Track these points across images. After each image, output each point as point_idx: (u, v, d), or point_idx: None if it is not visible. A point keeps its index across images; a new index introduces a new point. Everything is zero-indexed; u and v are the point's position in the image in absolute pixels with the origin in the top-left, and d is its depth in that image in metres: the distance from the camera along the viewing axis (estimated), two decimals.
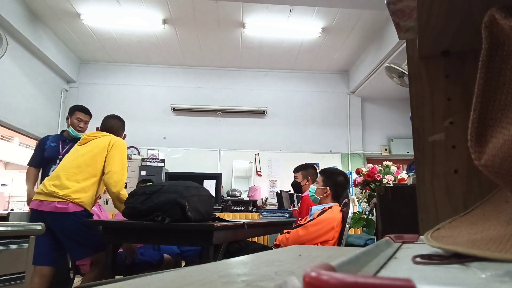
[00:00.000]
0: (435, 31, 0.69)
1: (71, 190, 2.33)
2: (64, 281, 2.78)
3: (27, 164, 3.30)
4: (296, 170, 3.59)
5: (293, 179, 3.64)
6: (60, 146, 3.24)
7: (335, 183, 2.60)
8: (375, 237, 2.97)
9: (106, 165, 2.43)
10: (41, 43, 5.26)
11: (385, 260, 0.39)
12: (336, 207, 2.48)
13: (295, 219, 3.26)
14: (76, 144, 2.61)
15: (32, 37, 5.00)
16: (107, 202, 4.88)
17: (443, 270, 0.32)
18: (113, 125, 2.69)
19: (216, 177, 5.13)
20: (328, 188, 2.57)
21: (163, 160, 5.95)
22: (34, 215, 2.36)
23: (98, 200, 2.64)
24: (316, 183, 2.64)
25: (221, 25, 5.31)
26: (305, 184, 3.41)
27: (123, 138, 2.72)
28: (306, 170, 3.51)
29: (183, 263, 3.13)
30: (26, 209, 7.28)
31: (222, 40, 5.77)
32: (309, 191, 2.62)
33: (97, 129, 2.70)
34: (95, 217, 2.72)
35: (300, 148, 6.51)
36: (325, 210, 2.42)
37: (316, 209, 2.53)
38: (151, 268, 2.64)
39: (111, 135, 2.57)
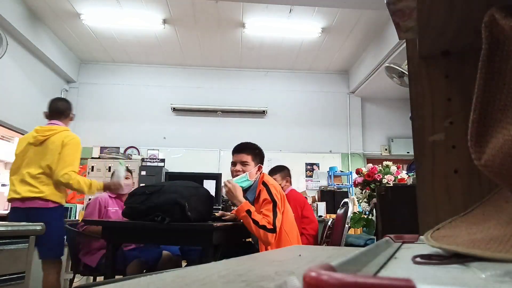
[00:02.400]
0: (435, 31, 0.69)
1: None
2: None
3: None
4: (273, 172, 3.48)
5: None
6: None
7: (261, 157, 2.38)
8: (375, 237, 2.96)
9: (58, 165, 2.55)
10: (41, 43, 5.26)
11: (385, 260, 0.39)
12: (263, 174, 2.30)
13: None
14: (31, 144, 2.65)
15: (32, 37, 5.00)
16: None
17: (443, 270, 0.32)
18: (60, 106, 2.79)
19: (216, 177, 5.12)
20: (261, 165, 2.34)
21: (163, 160, 5.95)
22: None
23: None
24: (245, 164, 2.27)
25: (221, 25, 5.31)
26: (285, 185, 3.42)
27: (71, 119, 2.83)
28: (283, 171, 3.52)
29: (184, 263, 3.13)
30: None
31: (222, 40, 5.77)
32: (239, 181, 2.23)
33: (45, 114, 2.80)
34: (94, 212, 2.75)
35: (300, 148, 6.52)
36: (261, 188, 2.20)
37: (252, 196, 2.25)
38: (151, 262, 2.64)
39: (63, 133, 2.63)
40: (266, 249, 2.07)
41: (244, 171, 2.25)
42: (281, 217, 2.10)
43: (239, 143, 2.40)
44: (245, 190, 2.26)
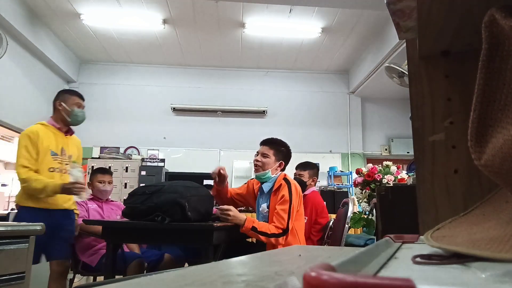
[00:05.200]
0: (435, 31, 0.69)
1: None
2: None
3: None
4: (303, 167, 3.37)
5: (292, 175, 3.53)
6: None
7: (286, 156, 2.46)
8: (375, 237, 2.96)
9: None
10: (41, 43, 5.26)
11: (385, 260, 0.39)
12: (282, 174, 2.37)
13: None
14: None
15: (32, 37, 5.00)
16: None
17: (443, 270, 0.32)
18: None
19: None
20: (283, 162, 2.41)
21: (163, 160, 5.95)
22: None
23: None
24: (265, 156, 2.37)
25: (221, 25, 5.31)
26: (310, 184, 3.30)
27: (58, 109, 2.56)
28: (313, 169, 3.39)
29: (185, 265, 3.12)
30: None
31: (222, 40, 5.77)
32: (267, 177, 2.35)
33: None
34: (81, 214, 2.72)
35: (300, 148, 6.50)
36: (282, 183, 2.28)
37: (268, 186, 2.33)
38: (152, 264, 2.64)
39: None
40: (274, 247, 2.12)
41: (262, 163, 2.35)
42: (294, 217, 2.18)
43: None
44: (262, 181, 2.38)
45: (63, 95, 2.60)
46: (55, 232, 2.38)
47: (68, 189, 2.36)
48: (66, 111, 2.54)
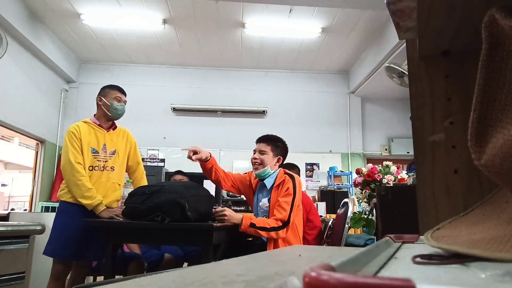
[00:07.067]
0: (435, 31, 0.69)
1: None
2: None
3: None
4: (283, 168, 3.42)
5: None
6: None
7: (283, 151, 2.47)
8: (375, 237, 2.96)
9: None
10: (41, 43, 5.26)
11: (385, 260, 0.39)
12: (282, 171, 2.37)
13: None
14: None
15: (32, 37, 5.00)
16: None
17: (443, 270, 0.32)
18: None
19: None
20: (281, 157, 2.42)
21: (163, 160, 5.95)
22: None
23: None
24: (263, 153, 2.37)
25: (221, 25, 5.31)
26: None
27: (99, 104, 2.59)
28: (294, 169, 3.38)
29: (185, 265, 3.12)
30: (26, 209, 7.28)
31: (222, 40, 5.77)
32: (266, 173, 2.34)
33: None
34: None
35: (300, 148, 6.51)
36: (286, 178, 2.29)
37: (270, 182, 2.33)
38: (152, 264, 2.64)
39: None
40: (275, 246, 2.12)
41: (260, 160, 2.35)
42: (295, 211, 2.19)
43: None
44: (262, 178, 2.38)
45: (103, 90, 2.61)
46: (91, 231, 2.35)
47: (110, 214, 2.34)
48: (106, 106, 2.56)
